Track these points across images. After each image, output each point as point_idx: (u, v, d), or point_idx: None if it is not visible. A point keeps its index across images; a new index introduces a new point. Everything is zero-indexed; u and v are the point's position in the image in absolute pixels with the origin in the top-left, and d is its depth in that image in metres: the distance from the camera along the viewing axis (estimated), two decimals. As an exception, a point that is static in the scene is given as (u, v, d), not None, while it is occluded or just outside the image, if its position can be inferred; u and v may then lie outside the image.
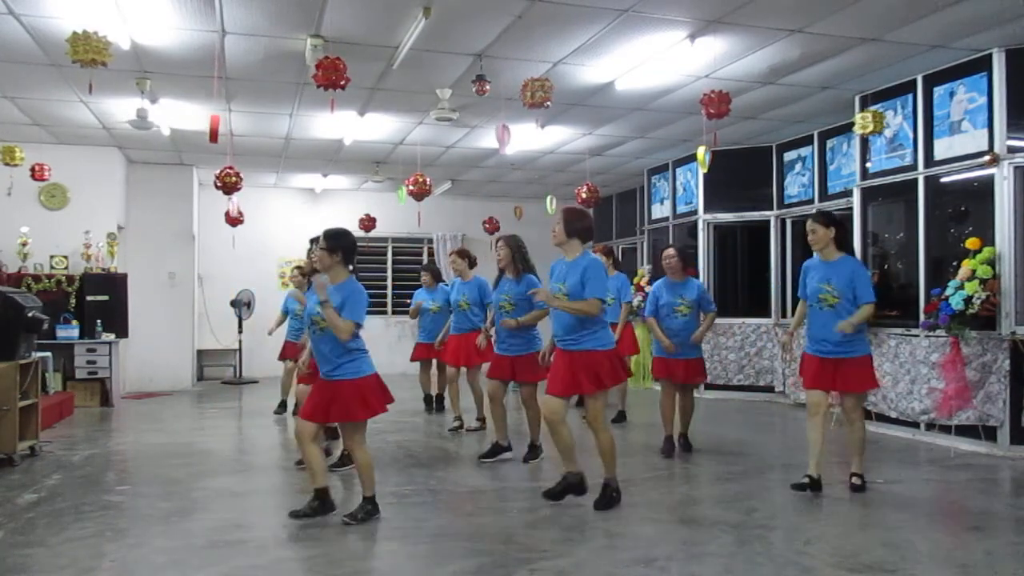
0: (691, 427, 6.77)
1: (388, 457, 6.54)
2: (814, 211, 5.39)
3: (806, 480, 5.21)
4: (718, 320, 9.70)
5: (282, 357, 8.68)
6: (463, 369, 7.68)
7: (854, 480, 5.31)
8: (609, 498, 4.92)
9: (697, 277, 6.75)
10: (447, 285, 8.43)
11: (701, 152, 7.35)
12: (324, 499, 4.64)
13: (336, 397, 4.47)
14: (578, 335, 4.77)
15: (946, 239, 6.99)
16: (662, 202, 11.64)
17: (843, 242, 5.26)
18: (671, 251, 6.70)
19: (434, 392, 9.07)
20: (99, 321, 9.63)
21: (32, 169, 8.84)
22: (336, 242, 4.54)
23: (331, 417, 4.55)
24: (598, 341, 4.79)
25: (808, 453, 5.28)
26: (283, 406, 8.90)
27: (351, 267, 4.62)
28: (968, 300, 6.31)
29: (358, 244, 4.74)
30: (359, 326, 4.45)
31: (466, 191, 13.82)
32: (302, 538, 4.36)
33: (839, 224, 5.26)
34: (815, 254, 5.35)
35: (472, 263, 7.83)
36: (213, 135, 6.77)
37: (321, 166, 11.79)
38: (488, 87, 6.66)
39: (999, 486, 5.67)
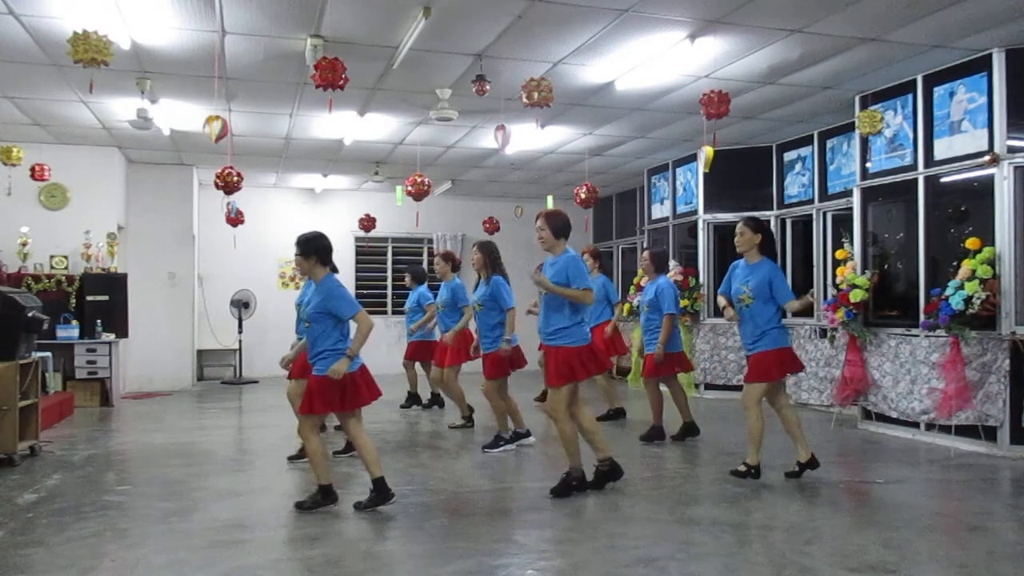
0: (686, 421, 7.21)
1: (387, 457, 6.54)
2: (746, 216, 5.99)
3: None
4: (719, 320, 9.74)
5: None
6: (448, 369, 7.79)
7: (739, 467, 5.63)
8: (567, 486, 5.13)
9: (666, 276, 7.29)
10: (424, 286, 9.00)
11: (710, 152, 7.26)
12: (328, 491, 4.84)
13: (343, 386, 4.64)
14: (547, 332, 5.12)
15: (946, 239, 6.99)
16: (662, 202, 11.63)
17: (767, 248, 5.60)
18: (645, 253, 7.46)
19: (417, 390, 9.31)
20: (99, 321, 9.63)
21: (32, 169, 8.84)
22: (308, 246, 4.79)
23: (344, 406, 4.70)
24: (568, 339, 5.04)
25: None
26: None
27: (329, 266, 4.82)
28: (968, 300, 6.32)
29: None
30: (359, 311, 4.66)
31: (466, 191, 13.81)
32: (302, 538, 4.36)
33: (766, 231, 5.65)
34: (743, 257, 5.69)
35: (455, 266, 8.10)
36: (220, 135, 6.78)
37: (321, 166, 11.79)
38: (488, 87, 6.66)
39: (999, 486, 5.67)
